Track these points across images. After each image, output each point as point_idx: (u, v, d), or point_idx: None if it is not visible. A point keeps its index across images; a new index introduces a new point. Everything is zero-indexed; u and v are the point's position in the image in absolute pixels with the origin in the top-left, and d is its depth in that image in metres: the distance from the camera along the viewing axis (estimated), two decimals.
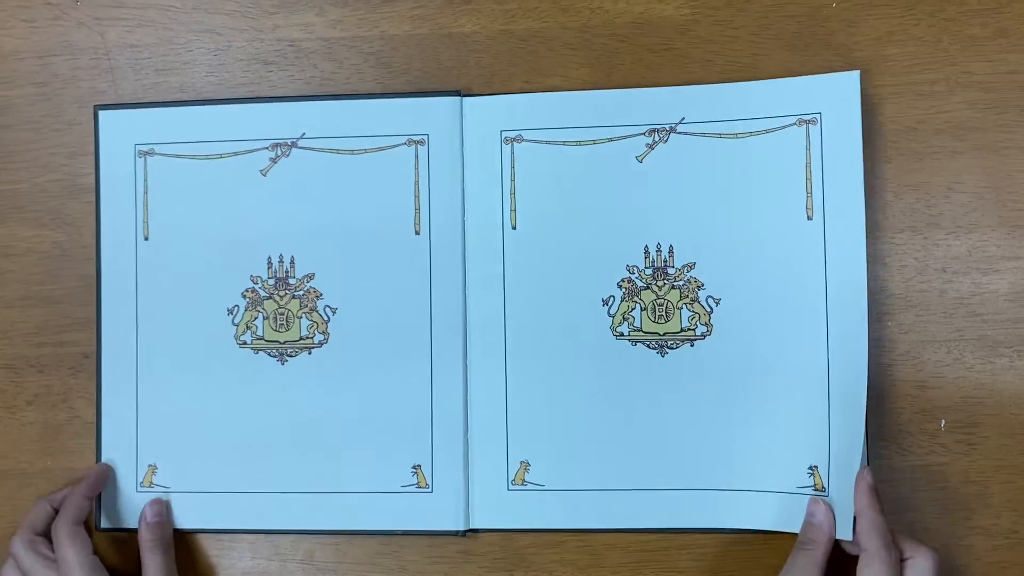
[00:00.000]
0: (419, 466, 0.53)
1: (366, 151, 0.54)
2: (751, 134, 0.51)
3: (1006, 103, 0.51)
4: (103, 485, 0.53)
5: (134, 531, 0.53)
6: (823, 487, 0.49)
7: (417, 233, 0.53)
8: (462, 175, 0.53)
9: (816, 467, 0.49)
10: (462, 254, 0.53)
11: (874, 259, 0.51)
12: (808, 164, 0.50)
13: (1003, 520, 0.50)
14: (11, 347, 0.55)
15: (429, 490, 0.52)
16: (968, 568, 0.50)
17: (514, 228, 0.53)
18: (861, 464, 0.48)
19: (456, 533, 0.52)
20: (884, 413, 0.51)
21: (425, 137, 0.53)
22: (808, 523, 0.48)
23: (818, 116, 0.50)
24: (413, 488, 0.52)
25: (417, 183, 0.53)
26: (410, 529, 0.52)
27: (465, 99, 0.53)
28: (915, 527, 0.51)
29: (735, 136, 0.51)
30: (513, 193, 0.53)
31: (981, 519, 0.50)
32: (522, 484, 0.52)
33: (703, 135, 0.51)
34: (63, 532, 0.49)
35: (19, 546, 0.50)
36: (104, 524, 0.54)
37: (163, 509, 0.53)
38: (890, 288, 0.51)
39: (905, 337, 0.51)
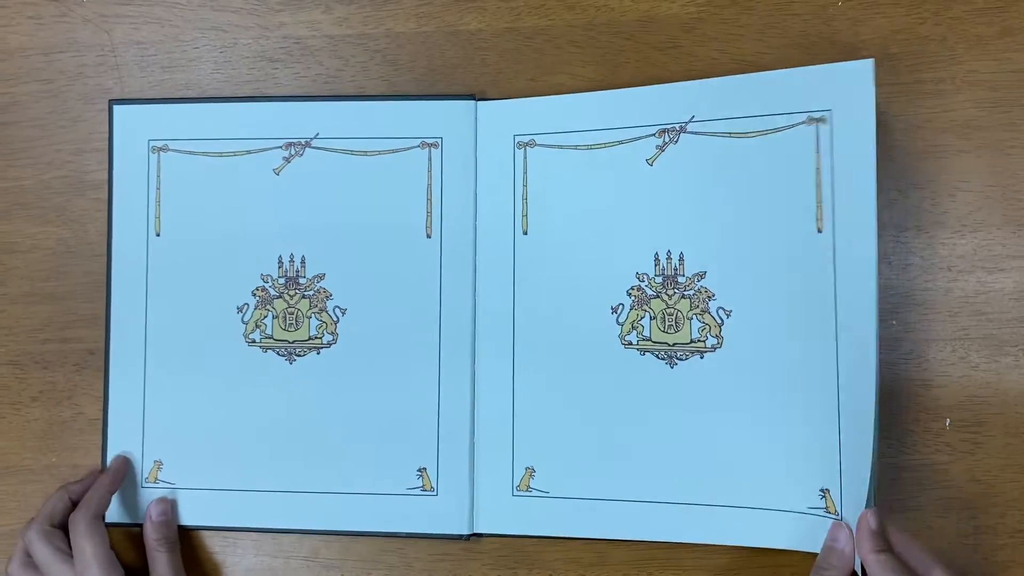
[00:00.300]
0: (424, 469, 0.52)
1: (379, 153, 0.54)
2: (760, 133, 0.50)
3: (1012, 102, 0.51)
4: (124, 478, 0.53)
5: (138, 526, 0.53)
6: (836, 511, 0.48)
7: (429, 236, 0.53)
8: (475, 179, 0.53)
9: (828, 490, 0.48)
10: (473, 258, 0.53)
11: (879, 258, 0.51)
12: (818, 170, 0.48)
13: (1008, 519, 0.50)
14: (16, 343, 0.55)
15: (434, 493, 0.52)
16: (974, 567, 0.50)
17: (525, 233, 0.52)
18: (868, 494, 0.46)
19: (460, 537, 0.52)
20: (889, 412, 0.51)
21: (439, 140, 0.53)
22: (830, 547, 0.47)
23: (828, 114, 0.48)
24: (418, 491, 0.52)
25: (430, 186, 0.53)
26: (414, 532, 0.52)
27: (480, 103, 0.53)
28: (920, 526, 0.50)
29: (745, 135, 0.50)
30: (525, 198, 0.52)
31: (986, 518, 0.50)
32: (527, 490, 0.52)
33: (713, 134, 0.50)
34: (83, 525, 0.49)
35: (34, 537, 0.50)
36: (108, 518, 0.54)
37: (168, 508, 0.53)
38: (895, 287, 0.51)
39: (910, 336, 0.51)
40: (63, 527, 0.51)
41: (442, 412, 0.53)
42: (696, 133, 0.51)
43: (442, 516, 0.52)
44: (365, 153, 0.54)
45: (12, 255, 0.56)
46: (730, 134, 0.50)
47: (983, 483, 0.50)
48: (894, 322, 0.51)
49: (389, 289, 0.53)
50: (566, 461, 0.51)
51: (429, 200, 0.53)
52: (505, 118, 0.53)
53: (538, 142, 0.52)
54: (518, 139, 0.53)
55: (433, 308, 0.53)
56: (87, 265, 0.55)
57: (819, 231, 0.48)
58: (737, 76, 0.50)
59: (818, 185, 0.48)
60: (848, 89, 0.47)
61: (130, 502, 0.54)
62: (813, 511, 0.48)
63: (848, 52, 0.52)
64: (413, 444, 0.53)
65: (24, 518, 0.54)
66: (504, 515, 0.52)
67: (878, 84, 0.51)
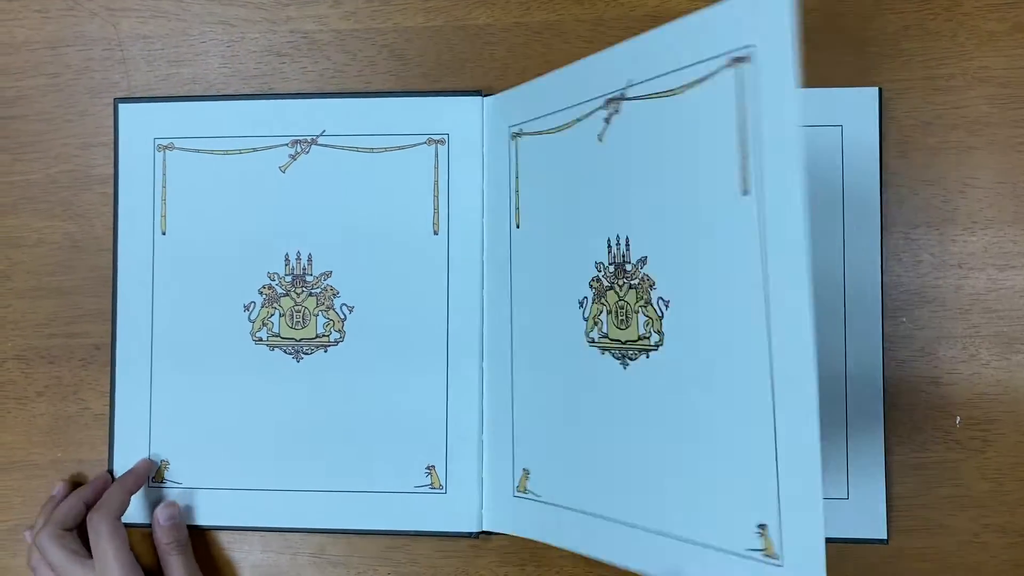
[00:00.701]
0: (433, 467, 0.52)
1: (386, 150, 0.53)
2: (687, 87, 0.41)
3: (1023, 99, 0.51)
4: (145, 480, 0.53)
5: (144, 526, 0.53)
6: (775, 553, 0.37)
7: (436, 233, 0.53)
8: (482, 175, 0.53)
9: (765, 526, 0.38)
10: (480, 255, 0.53)
11: (889, 254, 0.51)
12: (743, 122, 0.38)
13: (1018, 517, 0.50)
14: (22, 338, 0.55)
15: (443, 491, 0.52)
16: (983, 566, 0.50)
17: (518, 227, 0.52)
18: (820, 531, 0.35)
19: (469, 535, 0.52)
20: (899, 410, 0.51)
21: (445, 137, 0.53)
22: None
23: (751, 50, 0.38)
24: (427, 488, 0.52)
25: (436, 183, 0.53)
26: (423, 530, 0.52)
27: (486, 99, 0.53)
28: (929, 524, 0.50)
29: (672, 93, 0.42)
30: (517, 191, 0.52)
31: (996, 516, 0.50)
32: (524, 492, 0.51)
33: (648, 97, 0.43)
34: (105, 526, 0.49)
35: (47, 541, 0.49)
36: None
37: (176, 512, 0.52)
38: (905, 284, 0.51)
39: (920, 333, 0.51)
40: (75, 530, 0.51)
41: (450, 409, 0.52)
42: (637, 98, 0.44)
43: (451, 514, 0.52)
44: (371, 150, 0.54)
45: (18, 249, 0.55)
46: (659, 94, 0.43)
47: (993, 481, 0.50)
48: (904, 319, 0.51)
49: (396, 286, 0.53)
50: (553, 466, 0.49)
51: (436, 197, 0.53)
52: (503, 110, 0.52)
53: (525, 131, 0.51)
54: (512, 130, 0.52)
55: (441, 305, 0.53)
56: (93, 260, 0.55)
57: (744, 193, 0.38)
58: (659, 29, 0.42)
59: (743, 140, 0.39)
60: (769, 21, 0.37)
61: (136, 502, 0.53)
62: (751, 554, 0.38)
63: (858, 47, 0.52)
64: (421, 441, 0.52)
65: (29, 513, 0.54)
66: (507, 515, 0.51)
67: (889, 80, 0.51)
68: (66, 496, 0.52)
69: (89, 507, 0.51)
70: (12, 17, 0.56)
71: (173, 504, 0.53)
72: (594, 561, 0.52)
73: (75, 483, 0.54)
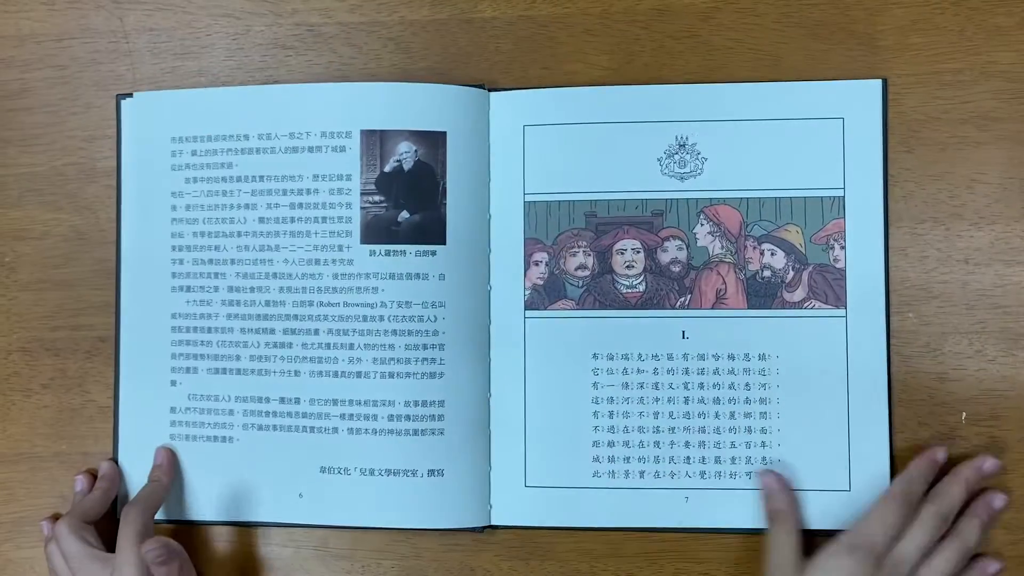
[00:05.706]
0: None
1: None
2: None
3: None
4: (174, 472, 0.53)
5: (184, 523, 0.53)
6: None
7: None
8: (489, 167, 0.53)
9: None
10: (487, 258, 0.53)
11: (895, 249, 0.51)
12: None
13: (1023, 514, 0.50)
14: (27, 330, 0.55)
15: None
16: None
17: None
18: None
19: (475, 530, 0.52)
20: (904, 405, 0.50)
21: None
22: (766, 495, 0.50)
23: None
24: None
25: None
26: (429, 527, 0.52)
27: (492, 93, 0.53)
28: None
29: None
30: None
31: (1002, 513, 0.50)
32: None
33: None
34: (138, 522, 0.48)
35: (65, 529, 0.49)
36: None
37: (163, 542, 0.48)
38: (911, 279, 0.51)
39: (926, 328, 0.51)
40: (95, 522, 0.51)
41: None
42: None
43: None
44: None
45: (23, 242, 0.55)
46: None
47: (998, 478, 0.50)
48: (911, 314, 0.51)
49: None
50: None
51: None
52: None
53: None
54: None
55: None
56: (98, 252, 0.55)
57: None
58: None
59: None
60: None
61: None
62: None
63: (865, 42, 0.51)
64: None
65: (33, 505, 0.54)
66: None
67: (896, 75, 0.51)
68: (89, 488, 0.53)
69: (112, 501, 0.52)
70: (18, 9, 0.56)
71: (157, 541, 0.46)
72: (599, 554, 0.52)
73: (94, 475, 0.54)
